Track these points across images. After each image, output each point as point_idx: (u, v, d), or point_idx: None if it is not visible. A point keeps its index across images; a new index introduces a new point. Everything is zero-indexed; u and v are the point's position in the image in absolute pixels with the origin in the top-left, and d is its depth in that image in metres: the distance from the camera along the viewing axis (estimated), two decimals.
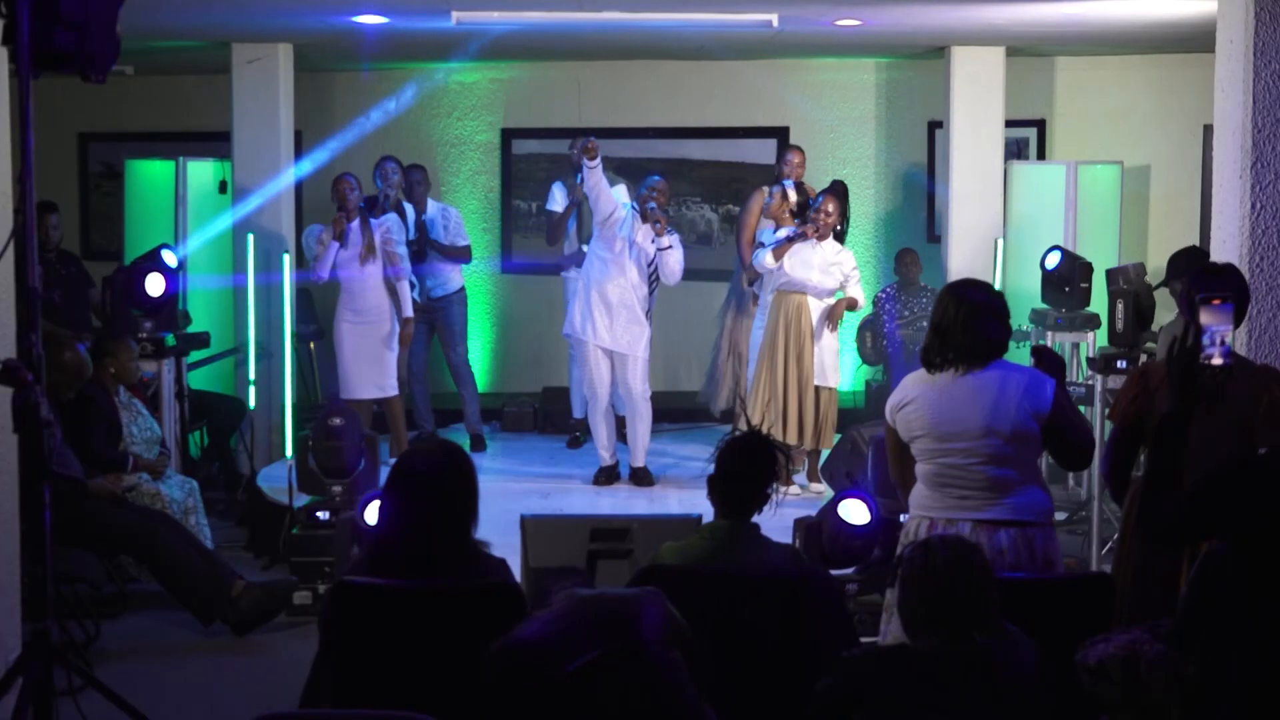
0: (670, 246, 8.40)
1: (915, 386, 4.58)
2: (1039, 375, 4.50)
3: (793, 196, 8.52)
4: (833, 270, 8.25)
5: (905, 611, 3.51)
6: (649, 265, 8.46)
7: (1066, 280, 8.65)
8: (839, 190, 8.42)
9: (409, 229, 9.20)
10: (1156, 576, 4.52)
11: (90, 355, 6.83)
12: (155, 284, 8.06)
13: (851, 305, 8.38)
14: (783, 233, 8.32)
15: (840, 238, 8.37)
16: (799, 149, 9.21)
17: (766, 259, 8.19)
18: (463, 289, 9.67)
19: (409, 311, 8.84)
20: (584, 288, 8.52)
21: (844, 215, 8.38)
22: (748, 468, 4.36)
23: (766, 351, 8.29)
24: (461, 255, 9.50)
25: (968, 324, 4.48)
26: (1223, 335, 3.59)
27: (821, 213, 8.22)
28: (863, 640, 4.74)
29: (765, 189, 8.91)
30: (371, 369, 8.75)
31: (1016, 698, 3.40)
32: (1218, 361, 3.53)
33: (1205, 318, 3.64)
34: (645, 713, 3.59)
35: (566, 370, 9.77)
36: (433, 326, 9.58)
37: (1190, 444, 3.50)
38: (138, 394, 7.60)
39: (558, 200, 9.50)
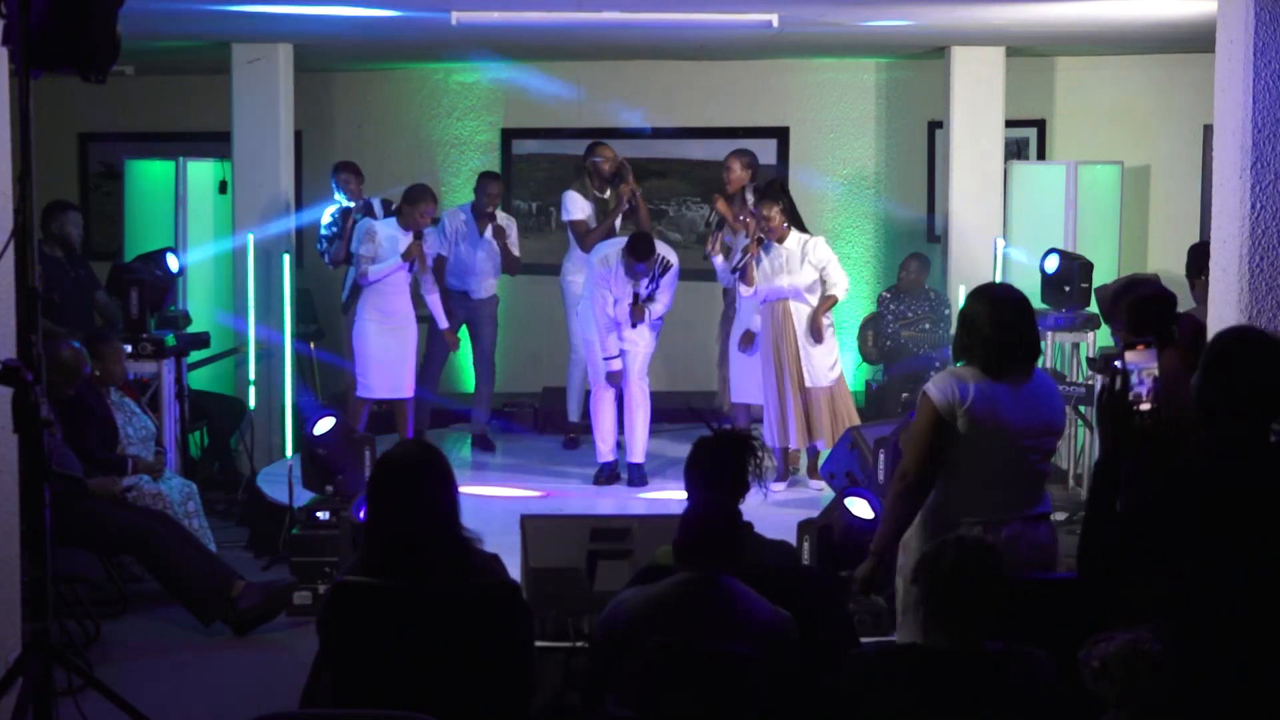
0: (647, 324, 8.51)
1: (977, 383, 4.47)
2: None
3: (750, 199, 8.69)
4: (805, 267, 8.26)
5: (921, 609, 3.52)
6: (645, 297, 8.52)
7: (1066, 280, 8.66)
8: (774, 191, 8.42)
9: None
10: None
11: None
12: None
13: (830, 303, 8.37)
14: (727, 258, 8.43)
15: (801, 228, 8.38)
16: (741, 155, 9.17)
17: (743, 289, 8.32)
18: (496, 295, 9.69)
19: (445, 323, 9.03)
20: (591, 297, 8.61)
21: (790, 210, 8.38)
22: (714, 465, 4.37)
23: (766, 358, 8.38)
24: (511, 263, 9.51)
25: (1029, 325, 4.55)
26: (1148, 373, 3.60)
27: (765, 219, 8.24)
28: (868, 640, 4.76)
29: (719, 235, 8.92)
30: (393, 370, 8.80)
31: (1023, 709, 3.40)
32: (1145, 406, 3.56)
33: (1132, 357, 3.66)
34: (699, 714, 3.64)
35: (566, 370, 9.75)
36: (462, 325, 9.61)
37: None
38: (130, 393, 7.60)
39: (578, 209, 9.24)
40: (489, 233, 9.34)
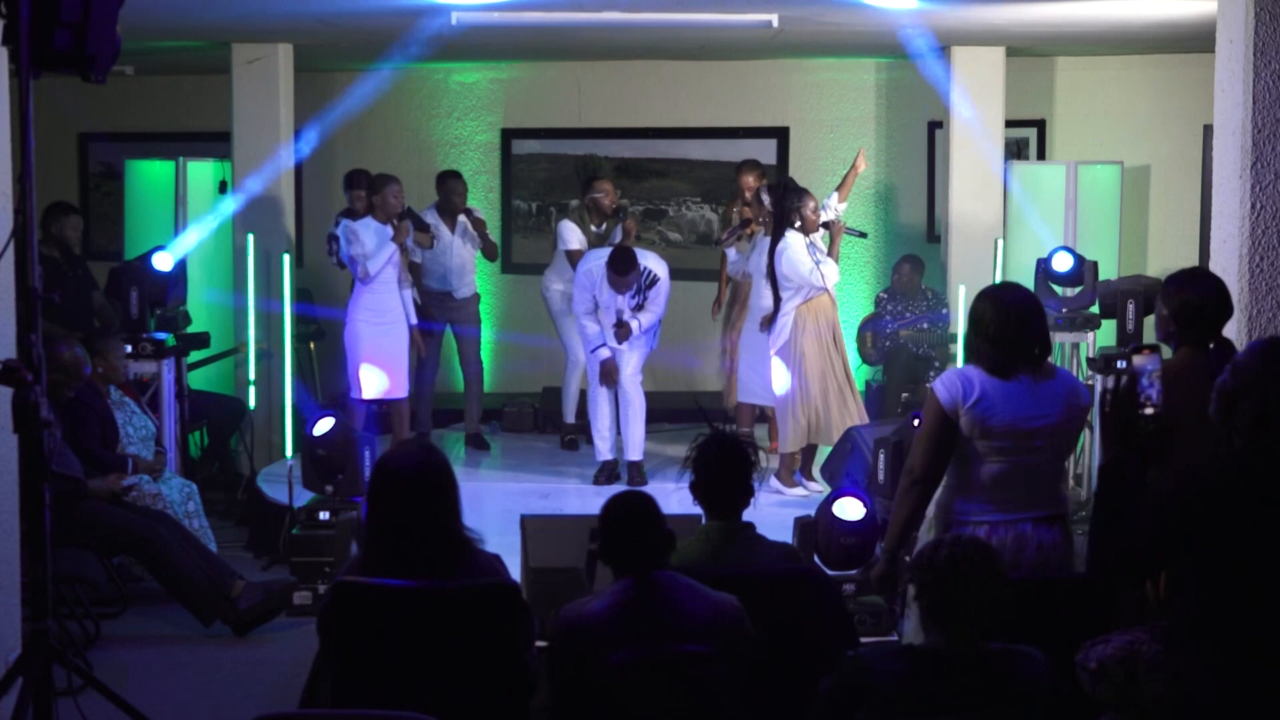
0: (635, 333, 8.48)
1: (984, 382, 4.46)
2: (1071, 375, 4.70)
3: (766, 200, 8.61)
4: (828, 258, 8.23)
5: (920, 609, 3.51)
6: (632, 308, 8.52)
7: (1079, 280, 8.64)
8: (797, 187, 8.45)
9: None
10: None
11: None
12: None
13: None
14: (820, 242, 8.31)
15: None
16: (752, 167, 9.22)
17: (829, 273, 8.14)
18: (478, 293, 9.74)
19: (415, 319, 8.89)
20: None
21: None
22: (725, 465, 4.37)
23: (814, 363, 8.17)
24: (490, 249, 9.59)
25: (1036, 326, 4.52)
26: (1155, 376, 3.61)
27: (811, 210, 8.21)
28: (868, 640, 4.76)
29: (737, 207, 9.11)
30: (386, 370, 8.75)
31: (1020, 708, 3.39)
32: (1149, 411, 3.57)
33: (1139, 360, 3.66)
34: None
35: (564, 371, 9.75)
36: (449, 325, 9.59)
37: (1199, 446, 3.51)
38: (130, 392, 7.60)
39: (575, 240, 9.20)
40: (459, 230, 9.33)
